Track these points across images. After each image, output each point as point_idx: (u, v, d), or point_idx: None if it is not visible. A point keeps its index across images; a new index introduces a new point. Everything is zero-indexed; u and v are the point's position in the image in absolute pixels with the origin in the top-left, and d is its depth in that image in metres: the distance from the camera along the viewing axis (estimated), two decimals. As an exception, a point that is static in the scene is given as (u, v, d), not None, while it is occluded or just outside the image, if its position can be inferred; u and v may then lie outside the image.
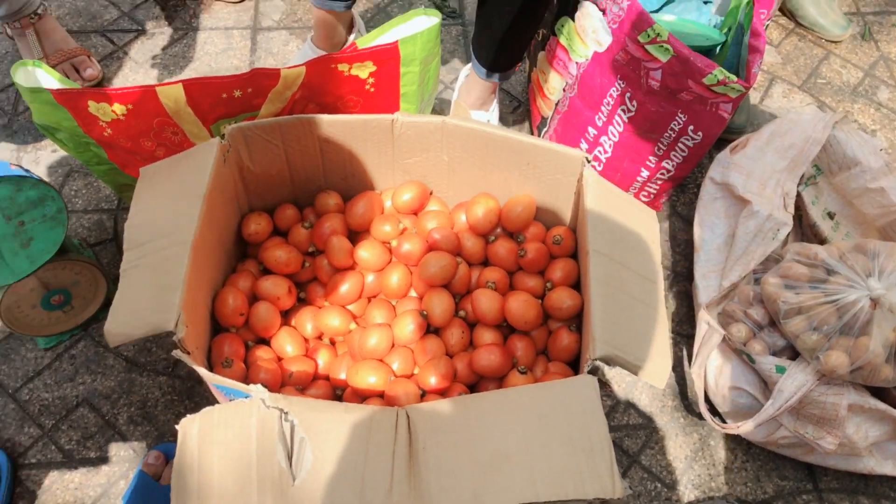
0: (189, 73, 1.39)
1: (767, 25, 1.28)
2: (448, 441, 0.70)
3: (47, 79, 0.93)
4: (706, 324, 1.02)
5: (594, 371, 0.76)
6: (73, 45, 1.34)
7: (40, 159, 1.27)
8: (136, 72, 1.38)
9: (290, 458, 0.68)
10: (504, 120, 1.38)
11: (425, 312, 0.95)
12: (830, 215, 1.16)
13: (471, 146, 0.96)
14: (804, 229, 1.20)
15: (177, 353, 0.76)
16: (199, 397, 1.07)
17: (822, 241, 1.16)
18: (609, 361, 0.76)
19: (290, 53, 1.43)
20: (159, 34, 1.44)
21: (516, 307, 0.93)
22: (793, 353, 0.98)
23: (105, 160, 1.04)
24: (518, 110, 1.40)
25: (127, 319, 0.78)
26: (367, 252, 0.98)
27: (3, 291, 0.98)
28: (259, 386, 0.72)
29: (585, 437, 0.70)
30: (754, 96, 1.45)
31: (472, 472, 0.67)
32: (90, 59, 1.35)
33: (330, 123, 0.93)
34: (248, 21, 1.47)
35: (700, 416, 1.05)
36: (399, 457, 0.69)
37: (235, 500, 0.68)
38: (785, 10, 1.56)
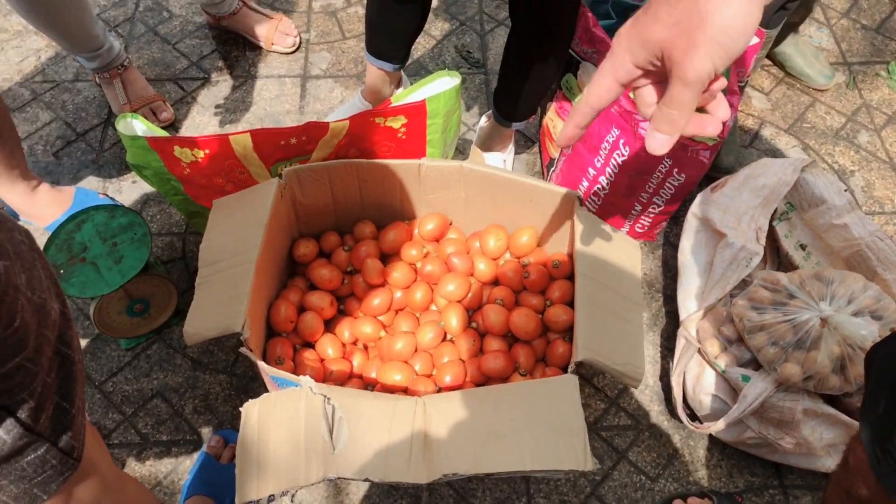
0: (247, 115, 1.61)
1: (745, 83, 1.46)
2: (455, 423, 0.88)
3: (143, 128, 1.15)
4: (684, 339, 1.19)
5: (577, 372, 0.94)
6: (152, 92, 1.57)
7: (122, 189, 1.50)
8: (202, 115, 1.61)
9: (331, 433, 0.87)
10: (519, 159, 1.57)
11: (443, 323, 1.13)
12: (803, 247, 1.32)
13: (484, 185, 1.15)
14: (781, 258, 1.36)
15: (244, 350, 0.96)
16: (253, 392, 1.26)
17: (795, 269, 1.32)
18: (590, 364, 0.94)
19: (334, 99, 1.64)
20: (222, 81, 1.67)
21: (519, 320, 1.11)
22: (757, 364, 1.15)
23: (181, 192, 1.25)
24: (531, 149, 1.59)
25: (201, 322, 0.98)
26: (396, 272, 1.17)
27: (97, 300, 1.19)
28: (307, 377, 0.91)
29: (565, 422, 0.87)
30: (744, 138, 1.61)
31: (473, 446, 0.85)
32: (165, 104, 1.58)
33: (368, 167, 1.13)
34: (299, 70, 1.69)
35: (681, 420, 1.21)
36: (416, 433, 0.87)
37: (288, 466, 0.87)
38: (775, 61, 1.73)
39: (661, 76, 0.52)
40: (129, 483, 0.80)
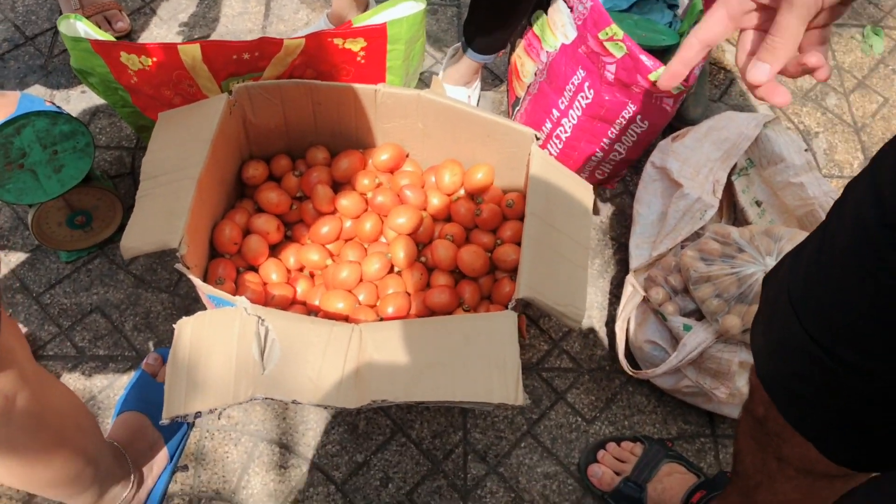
0: (206, 31, 1.55)
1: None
2: (390, 352, 0.87)
3: (86, 30, 1.09)
4: (631, 286, 1.19)
5: (522, 311, 0.93)
6: (107, -2, 1.50)
7: (70, 98, 1.44)
8: (160, 27, 1.54)
9: (262, 352, 0.86)
10: (486, 97, 1.54)
11: (390, 255, 1.12)
12: (758, 203, 1.32)
13: (442, 117, 1.12)
14: (737, 214, 1.36)
15: (178, 267, 0.94)
16: (195, 312, 1.24)
17: (749, 224, 1.32)
18: (531, 301, 0.93)
19: (299, 21, 1.58)
20: (183, -7, 1.59)
21: (467, 256, 1.10)
22: (699, 315, 1.15)
23: (129, 103, 1.20)
24: (499, 88, 1.56)
25: (139, 237, 0.96)
26: (346, 201, 1.14)
27: (35, 209, 1.15)
28: (243, 298, 0.89)
29: (500, 357, 0.87)
30: (714, 93, 1.60)
31: (406, 375, 0.85)
32: (121, 13, 1.51)
33: (322, 88, 1.09)
34: (264, -12, 1.62)
35: (622, 365, 1.22)
36: (350, 359, 0.86)
37: (218, 384, 0.85)
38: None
39: (769, 17, 0.53)
40: (52, 383, 0.78)
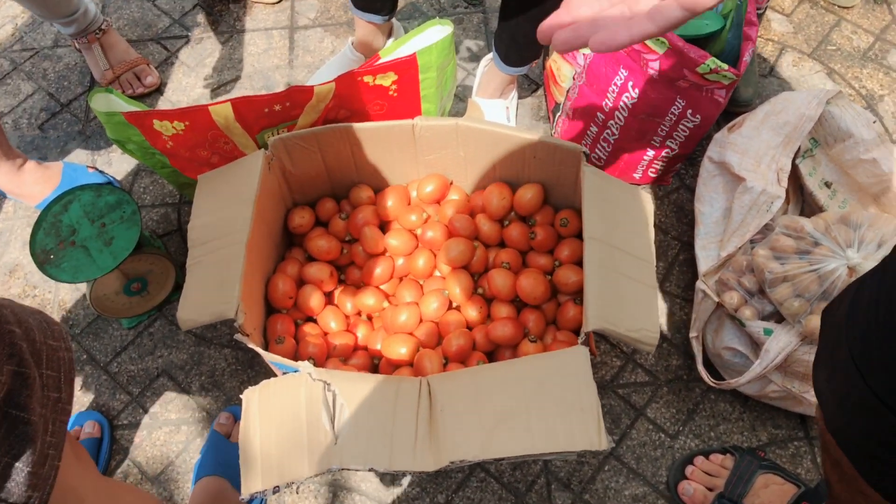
0: (235, 73, 1.53)
1: (764, 9, 1.35)
2: (461, 405, 0.84)
3: (118, 102, 1.08)
4: (702, 292, 1.13)
5: (586, 343, 0.89)
6: (134, 55, 1.49)
7: (112, 161, 1.44)
8: (188, 76, 1.53)
9: (332, 421, 0.84)
10: (523, 104, 1.48)
11: (447, 291, 1.08)
12: (828, 184, 1.24)
13: (483, 143, 1.08)
14: (805, 198, 1.28)
15: (238, 337, 0.92)
16: (258, 366, 1.24)
17: (819, 208, 1.24)
18: (601, 333, 0.89)
19: (325, 50, 1.55)
20: (207, 38, 1.58)
21: (526, 284, 1.06)
22: (780, 316, 1.09)
23: (168, 165, 1.19)
24: (536, 93, 1.50)
25: (195, 308, 0.95)
26: (395, 240, 1.11)
27: (92, 283, 1.16)
28: (306, 362, 0.87)
29: (577, 398, 0.83)
30: (764, 67, 1.51)
31: (481, 430, 0.82)
32: (149, 67, 1.50)
33: (359, 131, 1.06)
34: (286, 21, 1.60)
35: (701, 377, 1.17)
36: (421, 418, 0.84)
37: (291, 457, 0.84)
38: (797, -21, 1.60)
39: None
40: (121, 493, 0.77)
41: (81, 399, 1.22)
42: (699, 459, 1.12)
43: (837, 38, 1.54)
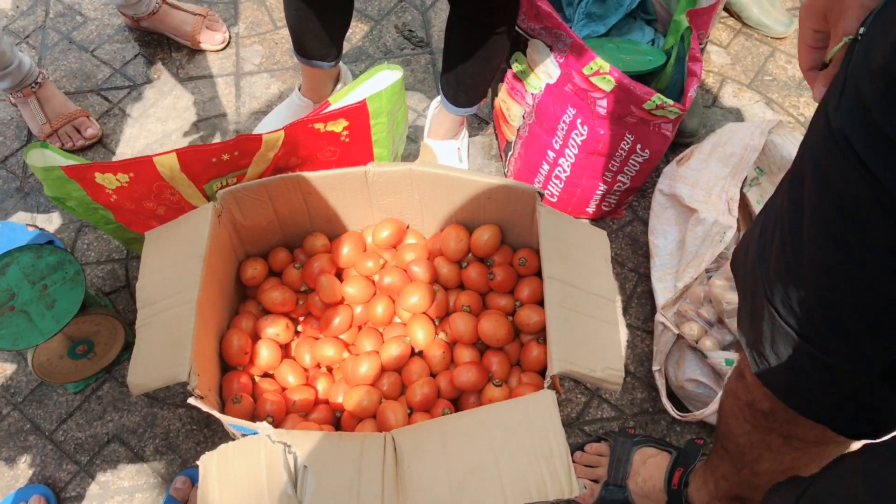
0: (180, 123, 1.50)
1: (705, 44, 1.38)
2: (428, 459, 0.81)
3: (54, 157, 1.04)
4: (661, 324, 1.14)
5: (552, 387, 0.87)
6: (73, 107, 1.45)
7: (52, 218, 1.39)
8: (132, 126, 1.50)
9: (295, 484, 0.80)
10: (475, 143, 1.49)
11: (408, 338, 1.06)
12: (775, 212, 1.27)
13: (438, 187, 1.07)
14: (754, 225, 1.31)
15: (192, 400, 0.88)
16: (215, 425, 1.19)
17: (769, 236, 1.27)
18: (567, 376, 0.88)
19: (272, 96, 1.54)
20: (150, 88, 1.55)
21: (488, 327, 1.04)
22: (740, 346, 1.10)
23: (112, 220, 1.15)
24: (486, 131, 1.51)
25: (146, 372, 0.90)
26: (353, 288, 1.09)
27: (34, 349, 1.10)
28: (264, 423, 0.84)
29: (545, 445, 0.81)
30: (707, 98, 1.55)
31: (449, 485, 0.79)
32: (89, 119, 1.46)
33: (311, 179, 1.04)
34: (231, 67, 1.58)
35: (667, 410, 1.17)
36: (388, 476, 0.81)
37: (253, 523, 0.80)
38: (731, 12, 1.65)
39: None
40: None
41: (25, 472, 1.15)
42: (577, 454, 1.13)
43: (773, 68, 1.59)
